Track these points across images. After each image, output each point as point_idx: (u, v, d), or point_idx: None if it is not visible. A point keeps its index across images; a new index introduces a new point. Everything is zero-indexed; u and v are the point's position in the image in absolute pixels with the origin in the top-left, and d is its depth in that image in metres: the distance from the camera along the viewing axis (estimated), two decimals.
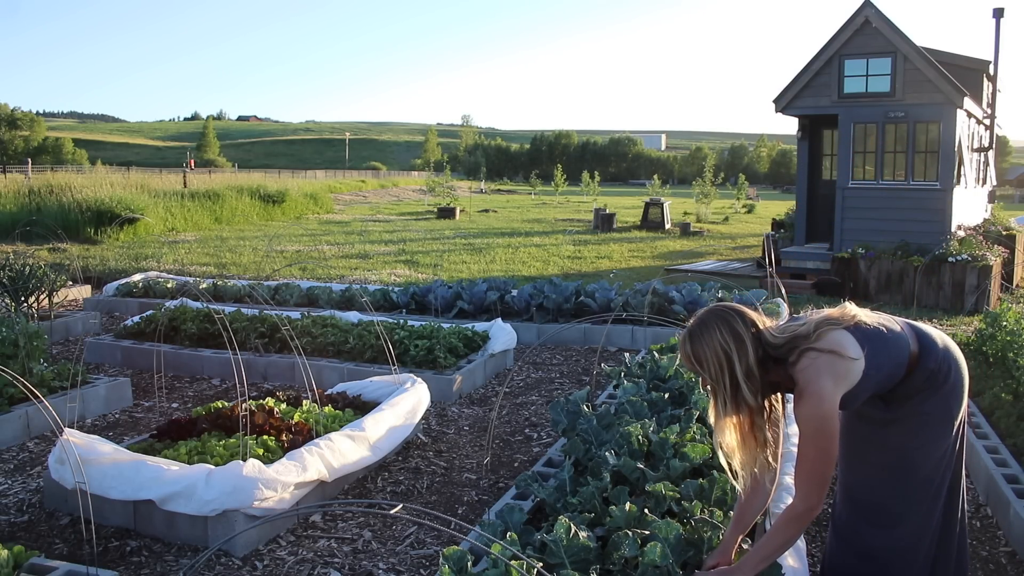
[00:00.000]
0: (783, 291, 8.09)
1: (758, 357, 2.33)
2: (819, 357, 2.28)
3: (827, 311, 2.44)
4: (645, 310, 7.72)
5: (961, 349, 2.63)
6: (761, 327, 2.38)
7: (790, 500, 3.44)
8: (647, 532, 2.76)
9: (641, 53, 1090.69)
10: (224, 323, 5.21)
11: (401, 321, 6.94)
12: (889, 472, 2.51)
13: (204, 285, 9.27)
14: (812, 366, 2.28)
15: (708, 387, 2.42)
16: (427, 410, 5.14)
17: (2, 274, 8.10)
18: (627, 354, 6.34)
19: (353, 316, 7.32)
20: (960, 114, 11.60)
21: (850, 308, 2.42)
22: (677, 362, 5.19)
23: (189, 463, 3.77)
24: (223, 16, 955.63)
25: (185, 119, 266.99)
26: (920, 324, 2.54)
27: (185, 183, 26.97)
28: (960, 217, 12.22)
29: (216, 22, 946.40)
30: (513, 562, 2.53)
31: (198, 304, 7.46)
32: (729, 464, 2.48)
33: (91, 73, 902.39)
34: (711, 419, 2.47)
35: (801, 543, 3.10)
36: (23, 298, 8.16)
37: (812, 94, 12.33)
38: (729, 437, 2.41)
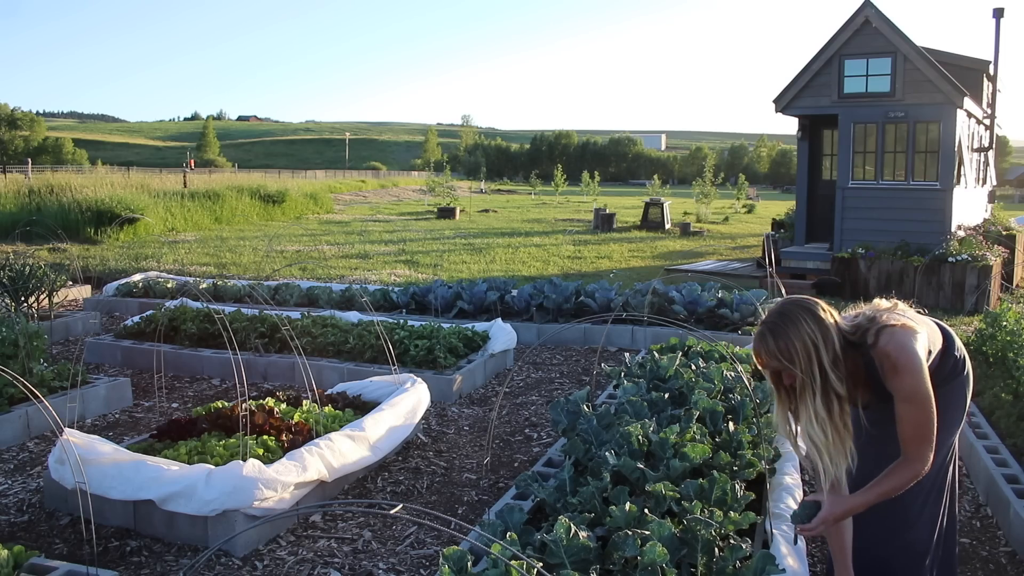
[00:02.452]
0: (783, 291, 8.08)
1: (840, 344, 2.33)
2: (897, 330, 2.34)
3: (875, 301, 2.51)
4: (645, 310, 7.72)
5: None
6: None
7: (790, 500, 3.46)
8: (647, 532, 2.76)
9: (641, 53, 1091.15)
10: (224, 323, 5.21)
11: (401, 321, 6.93)
12: None
13: (204, 285, 9.27)
14: (896, 337, 2.32)
15: (784, 385, 2.36)
16: (427, 410, 5.15)
17: (2, 274, 8.10)
18: (627, 354, 6.34)
19: (353, 316, 7.31)
20: (960, 114, 11.60)
21: (887, 302, 2.50)
22: (677, 362, 5.19)
23: (189, 463, 3.77)
24: (223, 16, 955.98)
25: (185, 119, 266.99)
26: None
27: (185, 183, 26.95)
28: (960, 217, 12.21)
29: (216, 22, 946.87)
30: (513, 562, 2.53)
31: (198, 304, 7.46)
32: (818, 461, 2.38)
33: (91, 73, 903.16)
34: (779, 422, 2.42)
35: (801, 543, 3.10)
36: (23, 298, 8.16)
37: (812, 94, 12.32)
38: (819, 432, 2.33)
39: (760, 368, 2.42)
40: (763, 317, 2.41)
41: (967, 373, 2.55)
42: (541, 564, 2.64)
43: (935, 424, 2.31)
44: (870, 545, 2.60)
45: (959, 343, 2.56)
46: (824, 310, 2.35)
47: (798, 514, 2.45)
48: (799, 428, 2.41)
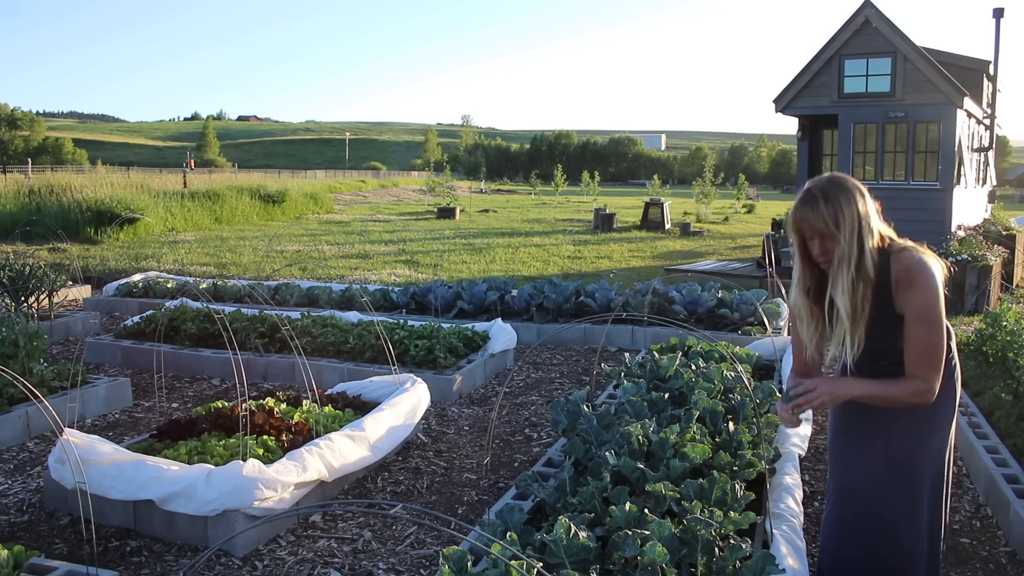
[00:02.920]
0: (783, 291, 8.07)
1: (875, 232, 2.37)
2: (924, 254, 2.39)
3: None
4: (645, 310, 7.72)
5: (961, 349, 2.67)
6: None
7: (790, 500, 3.46)
8: (647, 532, 2.76)
9: (641, 53, 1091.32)
10: (224, 323, 5.21)
11: (401, 321, 6.93)
12: (895, 467, 2.50)
13: (204, 285, 9.27)
14: (917, 256, 2.36)
15: (809, 258, 2.40)
16: (427, 410, 5.14)
17: (2, 274, 8.10)
18: (627, 354, 6.33)
19: (353, 316, 7.31)
20: (960, 114, 11.60)
21: None
22: (677, 362, 5.20)
23: (189, 463, 3.77)
24: (223, 16, 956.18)
25: (185, 119, 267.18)
26: None
27: (185, 183, 26.97)
28: (960, 217, 12.22)
29: (216, 22, 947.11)
30: (513, 562, 2.53)
31: (198, 304, 7.46)
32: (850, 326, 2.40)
33: (91, 73, 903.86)
34: (793, 297, 2.49)
35: (801, 543, 3.10)
36: (23, 298, 8.16)
37: (812, 94, 12.33)
38: (845, 301, 2.35)
39: (791, 233, 2.42)
40: (809, 184, 2.40)
41: (956, 377, 2.55)
42: (541, 564, 2.64)
43: (943, 350, 2.34)
44: (864, 545, 2.60)
45: (955, 347, 2.56)
46: (872, 197, 2.38)
47: (787, 394, 2.47)
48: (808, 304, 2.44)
